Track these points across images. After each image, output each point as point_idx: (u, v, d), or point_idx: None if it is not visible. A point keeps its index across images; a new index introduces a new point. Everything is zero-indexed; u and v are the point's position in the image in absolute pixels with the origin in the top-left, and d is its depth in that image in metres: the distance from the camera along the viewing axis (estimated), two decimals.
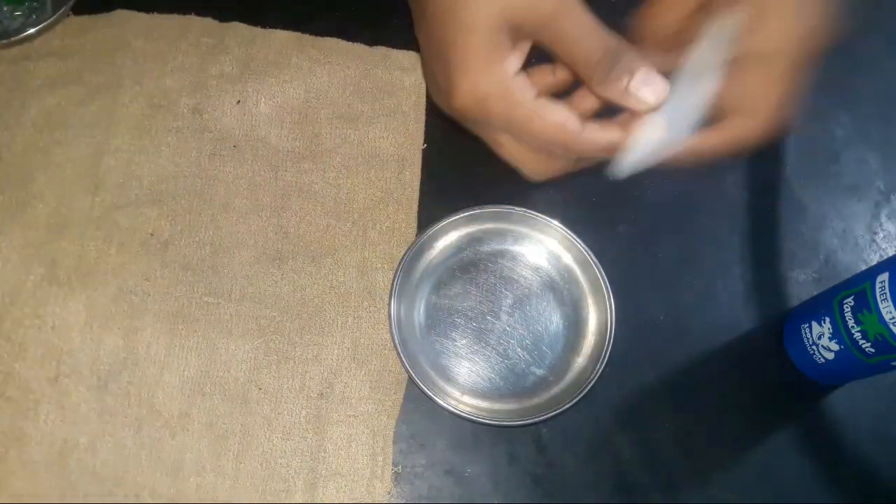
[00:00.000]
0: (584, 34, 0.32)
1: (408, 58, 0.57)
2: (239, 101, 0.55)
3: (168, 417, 0.47)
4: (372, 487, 0.46)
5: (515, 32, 0.32)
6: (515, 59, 0.33)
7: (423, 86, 0.56)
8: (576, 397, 0.46)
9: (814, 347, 0.49)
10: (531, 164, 0.37)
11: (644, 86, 0.32)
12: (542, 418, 0.46)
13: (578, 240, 0.50)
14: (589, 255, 0.50)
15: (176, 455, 0.46)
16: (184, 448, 0.46)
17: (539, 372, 0.49)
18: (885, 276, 0.43)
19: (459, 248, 0.52)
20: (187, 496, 0.45)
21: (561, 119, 0.33)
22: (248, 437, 0.47)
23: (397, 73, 0.57)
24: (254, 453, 0.46)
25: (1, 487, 0.44)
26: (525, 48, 0.34)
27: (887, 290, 0.42)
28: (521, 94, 0.32)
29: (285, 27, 0.58)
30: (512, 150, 0.36)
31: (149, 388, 0.47)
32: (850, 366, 0.47)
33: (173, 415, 0.47)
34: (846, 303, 0.46)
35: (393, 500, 0.46)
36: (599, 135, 0.34)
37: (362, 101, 0.56)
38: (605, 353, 0.47)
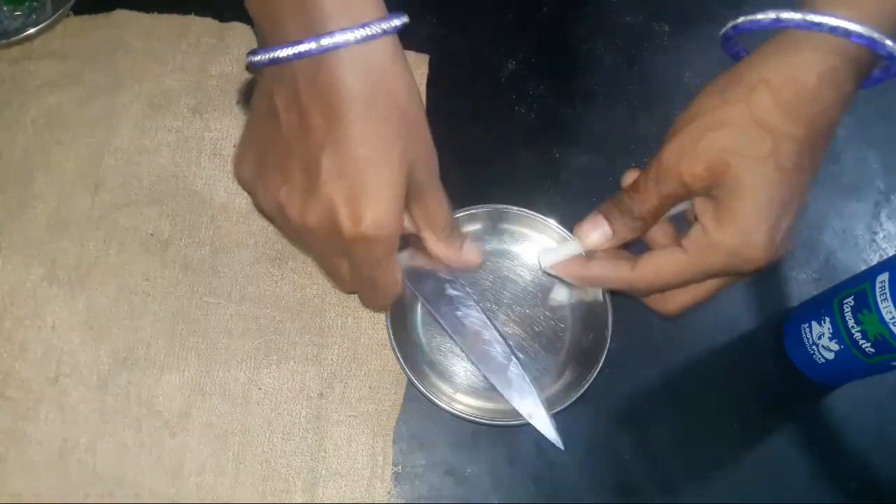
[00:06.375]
0: (440, 203, 0.39)
1: (407, 58, 0.57)
2: (239, 101, 0.55)
3: (168, 417, 0.47)
4: (372, 487, 0.46)
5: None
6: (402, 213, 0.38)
7: (424, 85, 0.56)
8: (571, 399, 0.46)
9: (814, 347, 0.49)
10: (365, 296, 0.44)
11: (469, 251, 0.42)
12: None
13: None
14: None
15: (176, 455, 0.46)
16: (184, 448, 0.46)
17: (534, 374, 0.49)
18: (885, 276, 0.43)
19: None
20: (187, 496, 0.45)
21: (396, 279, 0.41)
22: (248, 437, 0.47)
23: None
24: (254, 453, 0.46)
25: (1, 487, 0.44)
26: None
27: (887, 290, 0.42)
28: (394, 245, 0.37)
29: None
30: (346, 277, 0.41)
31: (149, 388, 0.47)
32: (850, 366, 0.47)
33: (173, 415, 0.47)
34: (846, 303, 0.46)
35: (393, 500, 0.46)
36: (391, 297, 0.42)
37: None
38: (602, 355, 0.47)
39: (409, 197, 0.37)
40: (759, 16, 0.35)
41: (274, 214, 0.38)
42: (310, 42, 0.33)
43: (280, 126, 0.35)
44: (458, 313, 0.45)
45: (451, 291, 0.45)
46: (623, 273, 0.39)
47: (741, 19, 0.36)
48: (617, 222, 0.40)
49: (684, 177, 0.35)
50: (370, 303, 0.45)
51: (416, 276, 0.44)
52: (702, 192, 0.36)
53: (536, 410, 0.45)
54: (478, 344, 0.45)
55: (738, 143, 0.34)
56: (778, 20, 0.34)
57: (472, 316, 0.45)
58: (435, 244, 0.41)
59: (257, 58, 0.35)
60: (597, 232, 0.40)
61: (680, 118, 0.37)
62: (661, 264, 0.38)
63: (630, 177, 0.41)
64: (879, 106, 0.60)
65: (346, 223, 0.35)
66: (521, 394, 0.45)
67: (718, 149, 0.34)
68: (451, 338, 0.46)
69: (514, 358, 0.45)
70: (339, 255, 0.39)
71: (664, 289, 0.40)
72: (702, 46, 0.61)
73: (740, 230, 0.35)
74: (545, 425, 0.45)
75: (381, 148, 0.34)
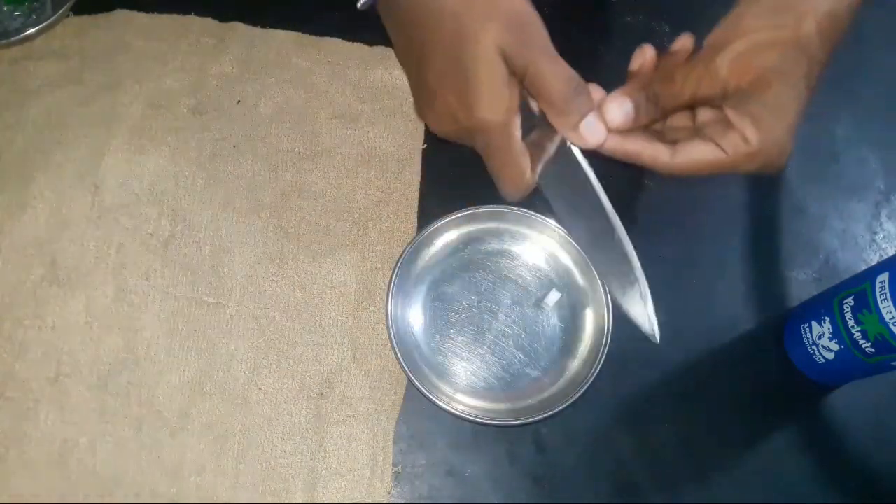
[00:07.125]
0: (551, 70, 0.37)
1: None
2: (239, 101, 0.55)
3: (168, 417, 0.47)
4: (372, 487, 0.46)
5: (508, 65, 0.38)
6: (516, 94, 0.38)
7: None
8: (569, 400, 0.46)
9: (814, 347, 0.49)
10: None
11: (588, 128, 0.39)
12: (539, 418, 0.46)
13: None
14: (587, 256, 0.50)
15: (176, 455, 0.46)
16: (184, 448, 0.46)
17: (534, 374, 0.49)
18: (885, 276, 0.43)
19: (458, 247, 0.52)
20: (187, 496, 0.45)
21: (523, 168, 0.39)
22: (248, 437, 0.47)
23: (397, 73, 0.57)
24: (254, 453, 0.46)
25: (1, 487, 0.44)
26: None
27: (887, 290, 0.42)
28: (513, 135, 0.38)
29: (285, 27, 0.58)
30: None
31: (149, 388, 0.47)
32: (850, 366, 0.47)
33: (173, 415, 0.47)
34: (846, 303, 0.46)
35: (393, 500, 0.46)
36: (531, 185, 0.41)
37: (362, 101, 0.56)
38: (601, 357, 0.47)
39: (520, 73, 0.38)
40: None
41: (441, 136, 0.41)
42: None
43: (401, 60, 0.40)
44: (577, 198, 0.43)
45: (572, 176, 0.42)
46: (663, 157, 0.41)
47: None
48: (640, 108, 0.40)
49: (729, 86, 0.39)
50: (506, 193, 0.43)
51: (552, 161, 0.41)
52: (732, 101, 0.39)
53: (637, 298, 0.43)
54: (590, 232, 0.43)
55: (783, 63, 0.38)
56: None
57: (588, 202, 0.43)
58: (551, 119, 0.39)
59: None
60: (621, 111, 0.40)
61: (725, 32, 0.40)
62: (700, 159, 0.40)
63: (684, 42, 0.43)
64: (879, 106, 0.60)
65: (463, 120, 0.38)
66: (620, 281, 0.43)
67: (767, 67, 0.38)
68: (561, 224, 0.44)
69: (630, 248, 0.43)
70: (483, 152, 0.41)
71: (691, 176, 0.42)
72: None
73: (778, 143, 0.39)
74: (644, 313, 0.43)
75: (463, 37, 0.37)
